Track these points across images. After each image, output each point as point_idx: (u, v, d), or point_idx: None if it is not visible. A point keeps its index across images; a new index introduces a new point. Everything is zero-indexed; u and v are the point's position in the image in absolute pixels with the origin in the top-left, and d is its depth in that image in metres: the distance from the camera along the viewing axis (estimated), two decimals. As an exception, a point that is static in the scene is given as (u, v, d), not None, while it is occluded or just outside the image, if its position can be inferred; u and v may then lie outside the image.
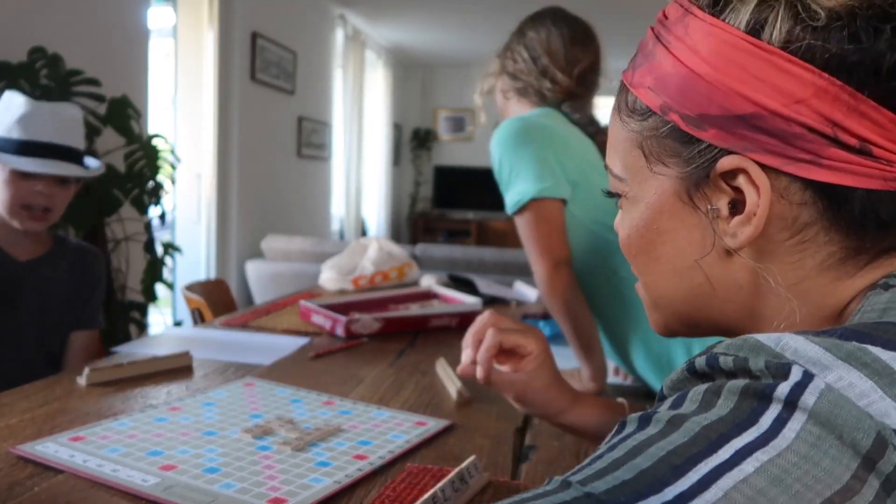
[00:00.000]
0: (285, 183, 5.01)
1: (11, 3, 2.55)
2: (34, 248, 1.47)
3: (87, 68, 2.59)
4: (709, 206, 0.45)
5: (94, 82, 2.53)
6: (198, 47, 4.09)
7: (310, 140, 5.35)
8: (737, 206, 0.44)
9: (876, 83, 0.40)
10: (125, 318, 2.66)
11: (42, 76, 2.40)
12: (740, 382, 0.34)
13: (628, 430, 0.36)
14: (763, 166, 0.42)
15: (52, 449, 0.84)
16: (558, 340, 1.61)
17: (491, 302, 2.12)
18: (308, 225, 5.44)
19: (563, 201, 1.19)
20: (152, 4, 3.40)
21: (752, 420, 0.32)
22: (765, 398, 0.33)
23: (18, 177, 1.36)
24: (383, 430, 0.95)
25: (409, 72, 8.30)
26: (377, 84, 7.13)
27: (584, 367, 1.21)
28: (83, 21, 2.90)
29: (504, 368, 0.84)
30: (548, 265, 1.17)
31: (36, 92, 2.34)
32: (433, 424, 0.98)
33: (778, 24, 0.41)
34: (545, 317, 1.78)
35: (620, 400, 0.85)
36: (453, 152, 8.38)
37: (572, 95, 1.31)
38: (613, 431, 0.37)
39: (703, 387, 0.35)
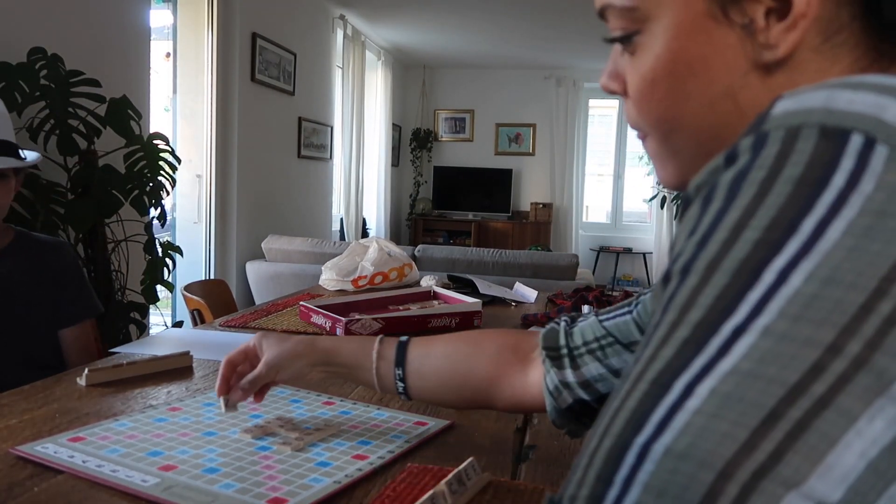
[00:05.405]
0: (285, 183, 5.01)
1: (11, 3, 2.55)
2: None
3: (87, 68, 2.58)
4: (747, 20, 0.43)
5: (94, 83, 2.53)
6: (198, 48, 4.10)
7: (310, 140, 5.35)
8: (772, 14, 0.42)
9: None
10: (125, 319, 2.65)
11: (42, 77, 2.40)
12: None
13: None
14: None
15: (52, 449, 0.84)
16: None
17: (491, 302, 2.12)
18: (308, 225, 5.44)
19: None
20: (152, 5, 3.40)
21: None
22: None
23: None
24: (383, 430, 0.95)
25: (409, 72, 8.29)
26: (377, 85, 7.13)
27: None
28: (83, 21, 2.90)
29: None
30: None
31: (35, 93, 2.34)
32: (433, 424, 0.98)
33: None
34: (544, 319, 1.77)
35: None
36: (453, 152, 8.38)
37: None
38: None
39: None
